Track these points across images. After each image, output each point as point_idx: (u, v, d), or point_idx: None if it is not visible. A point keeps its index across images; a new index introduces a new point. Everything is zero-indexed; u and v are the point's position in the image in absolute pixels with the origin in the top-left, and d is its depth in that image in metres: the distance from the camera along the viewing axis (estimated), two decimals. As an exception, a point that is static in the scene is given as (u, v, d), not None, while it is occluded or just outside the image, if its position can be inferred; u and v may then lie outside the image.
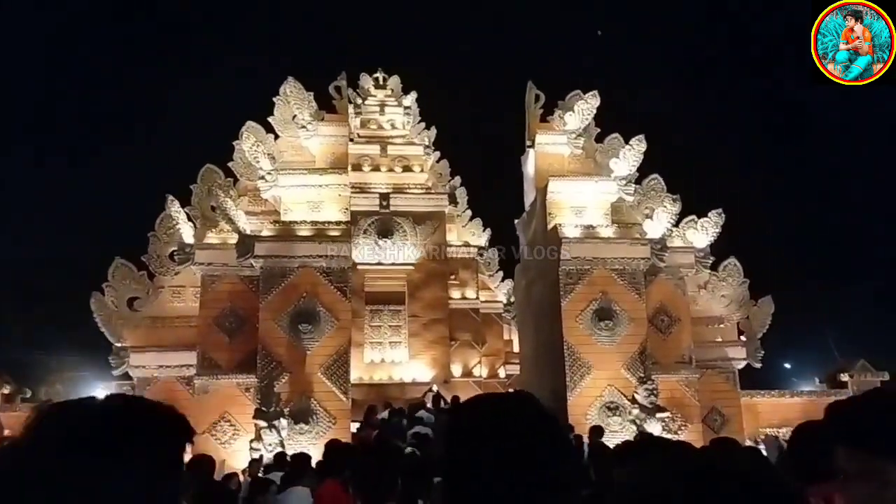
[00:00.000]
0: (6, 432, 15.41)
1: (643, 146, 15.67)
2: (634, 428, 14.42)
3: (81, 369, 26.36)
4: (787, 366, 29.29)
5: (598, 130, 16.92)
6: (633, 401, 14.54)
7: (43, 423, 1.23)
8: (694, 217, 16.44)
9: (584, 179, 15.90)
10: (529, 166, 17.13)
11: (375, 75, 23.91)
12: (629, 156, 15.67)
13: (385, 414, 14.44)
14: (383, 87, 23.84)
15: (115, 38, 47.83)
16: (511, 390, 14.59)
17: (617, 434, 13.93)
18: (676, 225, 16.12)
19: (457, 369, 21.56)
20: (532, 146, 16.74)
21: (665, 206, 15.56)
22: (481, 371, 22.23)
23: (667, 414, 14.35)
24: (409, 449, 12.21)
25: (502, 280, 24.32)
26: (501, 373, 22.91)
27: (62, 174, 41.78)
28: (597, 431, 12.77)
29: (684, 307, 15.93)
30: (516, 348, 23.81)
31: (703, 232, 16.16)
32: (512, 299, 24.31)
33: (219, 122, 19.12)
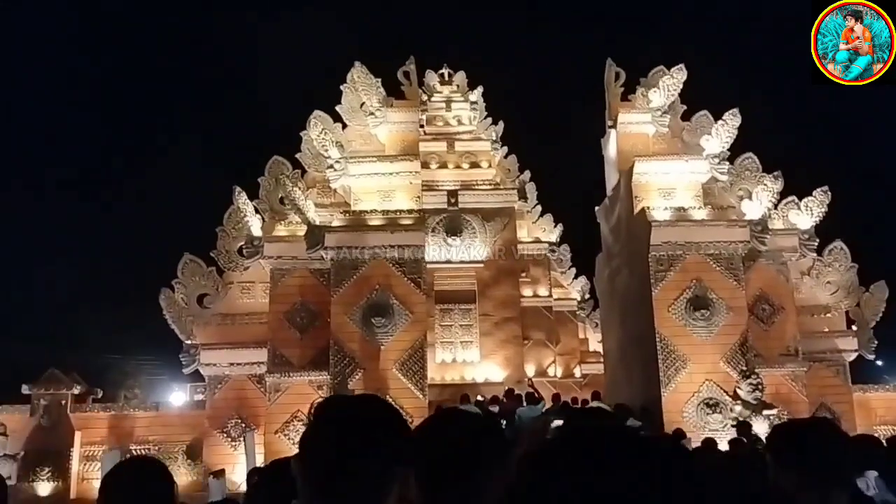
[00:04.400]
0: (76, 433, 15.12)
1: (737, 121, 14.47)
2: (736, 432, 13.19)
3: (158, 372, 26.49)
4: (879, 362, 27.19)
5: (685, 108, 15.80)
6: (735, 397, 13.32)
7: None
8: (794, 198, 15.17)
9: (673, 159, 14.79)
10: (611, 148, 16.12)
11: (441, 71, 23.31)
12: (722, 132, 14.49)
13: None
14: (449, 83, 23.25)
15: (181, 28, 48.70)
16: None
17: (717, 433, 12.71)
18: (776, 206, 14.89)
19: (530, 369, 20.75)
20: (613, 126, 15.74)
21: (765, 185, 14.34)
22: (556, 371, 21.42)
23: (774, 411, 13.06)
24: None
25: (575, 277, 23.38)
26: (577, 372, 22.04)
27: (130, 174, 42.62)
28: (678, 435, 11.71)
29: (788, 295, 14.68)
30: (592, 347, 22.96)
31: (806, 212, 14.87)
32: (586, 296, 23.37)
33: (286, 114, 18.73)
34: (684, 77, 15.27)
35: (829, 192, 15.00)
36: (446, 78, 23.33)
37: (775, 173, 14.78)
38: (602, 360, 18.82)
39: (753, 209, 14.33)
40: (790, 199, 15.22)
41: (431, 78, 23.03)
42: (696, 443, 10.35)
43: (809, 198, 15.08)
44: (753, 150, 15.48)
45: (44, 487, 14.48)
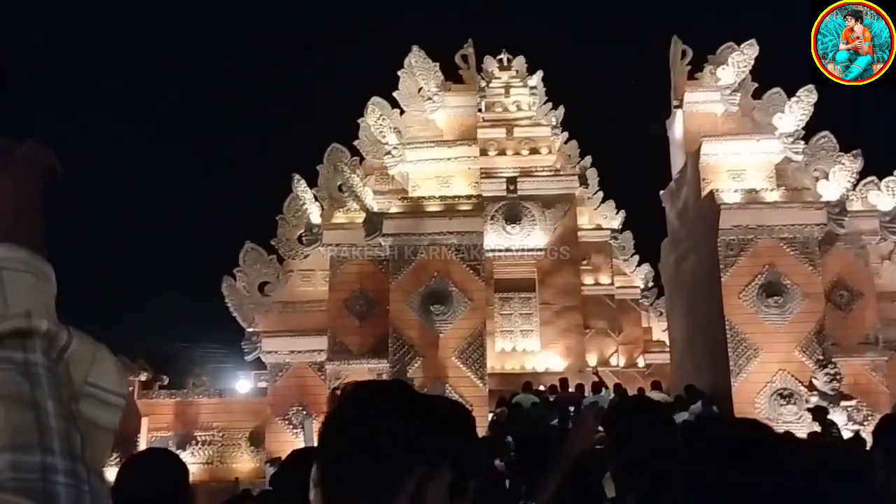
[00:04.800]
0: (143, 419, 15.44)
1: (813, 97, 13.75)
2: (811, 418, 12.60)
3: (225, 359, 27.07)
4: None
5: (756, 86, 15.09)
6: (811, 387, 12.71)
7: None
8: (874, 178, 14.36)
9: (743, 138, 14.16)
10: (676, 129, 15.55)
11: (499, 56, 22.91)
12: (796, 109, 13.80)
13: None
14: (507, 68, 22.83)
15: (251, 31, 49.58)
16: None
17: (792, 425, 12.14)
18: (854, 187, 14.12)
19: (592, 359, 20.24)
20: (679, 106, 15.17)
21: (843, 164, 13.59)
22: (618, 360, 20.87)
23: (853, 402, 12.44)
24: None
25: (638, 264, 22.79)
26: (640, 362, 21.47)
27: (194, 165, 43.70)
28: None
29: (867, 280, 13.95)
30: (656, 336, 22.36)
31: (887, 193, 14.06)
32: (650, 284, 22.77)
33: (343, 104, 18.69)
34: (755, 53, 14.59)
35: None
36: (505, 63, 22.93)
37: (854, 152, 14.01)
38: (667, 349, 18.27)
39: (830, 190, 13.63)
40: (870, 179, 14.43)
41: (490, 63, 22.66)
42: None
43: (890, 178, 14.26)
44: (829, 129, 14.72)
45: (112, 472, 14.79)
